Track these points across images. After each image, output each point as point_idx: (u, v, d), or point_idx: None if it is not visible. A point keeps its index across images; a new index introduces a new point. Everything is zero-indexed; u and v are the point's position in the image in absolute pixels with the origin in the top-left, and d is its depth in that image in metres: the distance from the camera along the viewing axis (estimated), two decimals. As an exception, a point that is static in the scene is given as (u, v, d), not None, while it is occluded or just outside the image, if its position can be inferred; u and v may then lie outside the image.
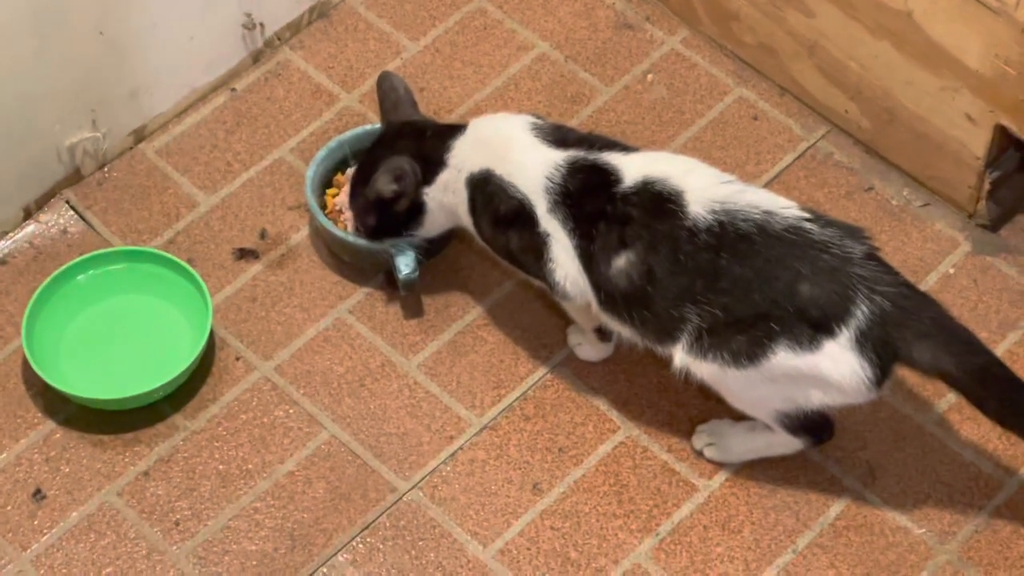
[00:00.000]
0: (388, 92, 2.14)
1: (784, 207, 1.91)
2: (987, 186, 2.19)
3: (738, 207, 1.90)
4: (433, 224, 2.10)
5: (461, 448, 2.09)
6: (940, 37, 2.09)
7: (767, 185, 2.29)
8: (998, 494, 2.03)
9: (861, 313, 1.85)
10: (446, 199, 2.06)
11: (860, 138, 2.30)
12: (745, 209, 1.89)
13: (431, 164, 2.05)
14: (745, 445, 2.04)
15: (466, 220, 2.06)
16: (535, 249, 1.98)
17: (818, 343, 1.85)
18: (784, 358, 1.87)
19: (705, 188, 1.92)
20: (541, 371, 2.15)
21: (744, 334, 1.88)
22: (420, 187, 2.06)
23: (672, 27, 2.43)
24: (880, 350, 1.85)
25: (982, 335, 2.13)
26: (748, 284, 1.87)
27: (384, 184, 2.06)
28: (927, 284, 2.20)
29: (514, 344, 2.17)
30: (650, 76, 2.39)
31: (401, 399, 2.13)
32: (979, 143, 2.14)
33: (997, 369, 1.87)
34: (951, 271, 2.21)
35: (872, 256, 1.88)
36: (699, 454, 2.07)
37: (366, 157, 2.12)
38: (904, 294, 1.86)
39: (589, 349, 2.13)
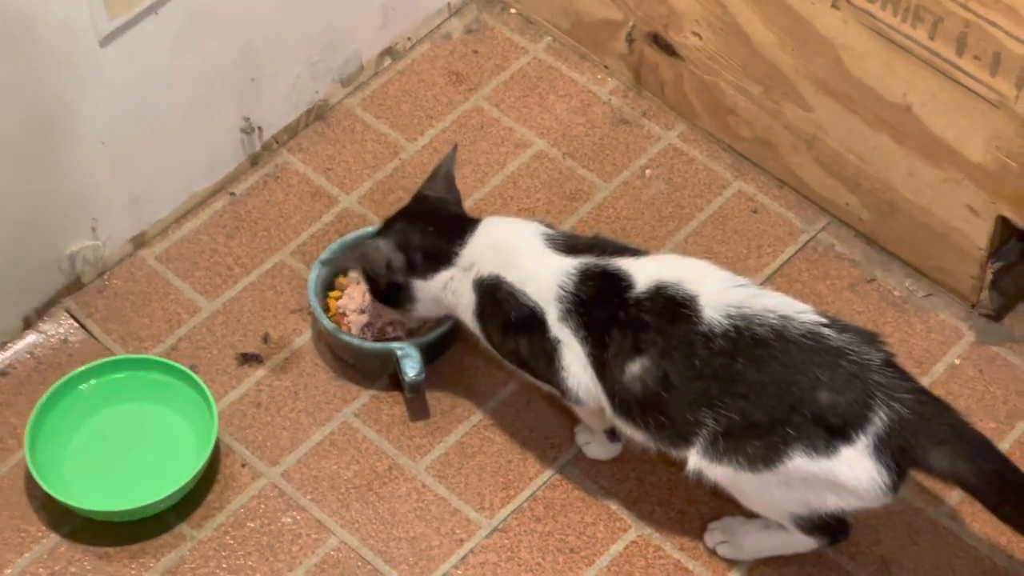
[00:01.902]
0: (437, 167, 2.11)
1: (800, 312, 1.90)
2: (990, 276, 2.19)
3: (754, 312, 1.89)
4: (426, 310, 2.09)
5: (471, 551, 2.07)
6: (940, 130, 2.10)
7: (769, 279, 2.29)
8: (1015, 587, 2.02)
9: (879, 420, 1.84)
10: (445, 297, 2.05)
11: (861, 230, 2.31)
12: (761, 314, 1.89)
13: (431, 259, 2.04)
14: (759, 543, 2.03)
15: (470, 322, 2.05)
16: (546, 355, 1.97)
17: (835, 449, 1.85)
18: (800, 463, 1.86)
19: (719, 292, 1.92)
20: (550, 471, 2.13)
21: (760, 439, 1.87)
22: (407, 276, 2.04)
23: (669, 122, 2.44)
24: (897, 456, 1.85)
25: (990, 426, 2.14)
26: (765, 389, 1.87)
27: (348, 261, 2.11)
28: (933, 375, 2.19)
29: (522, 444, 2.15)
30: (648, 171, 2.40)
31: (409, 502, 2.11)
32: (981, 234, 2.15)
33: (1012, 475, 1.86)
34: (956, 362, 2.21)
35: (889, 363, 1.88)
36: (712, 552, 2.05)
37: (385, 221, 2.11)
38: (921, 400, 1.86)
39: (598, 448, 2.12)
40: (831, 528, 1.95)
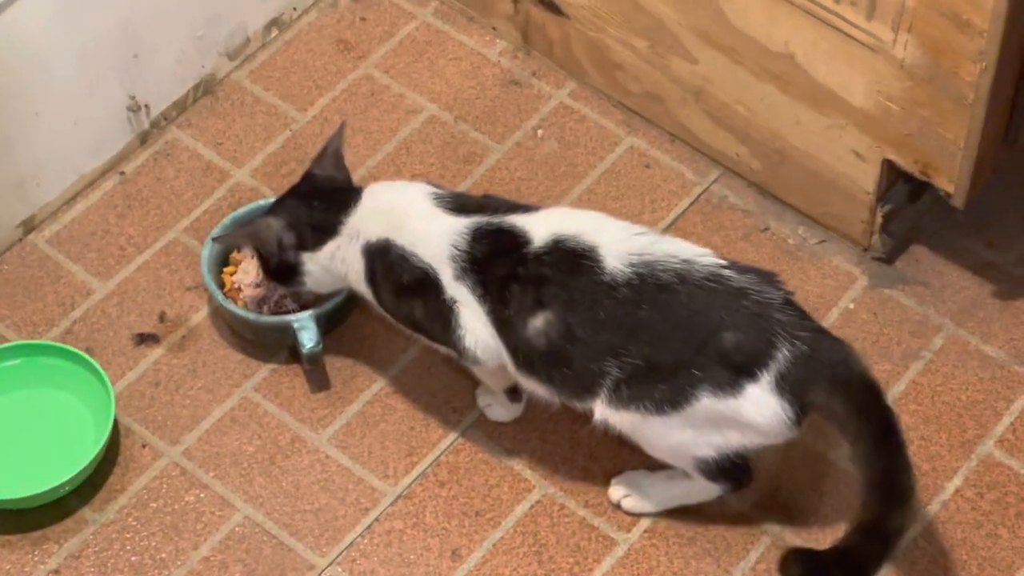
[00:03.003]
0: (325, 146, 2.10)
1: (701, 255, 1.92)
2: (880, 220, 2.21)
3: (656, 258, 1.90)
4: (317, 284, 2.08)
5: (377, 520, 2.07)
6: (823, 77, 2.11)
7: (664, 232, 2.29)
8: (915, 526, 2.04)
9: (781, 357, 1.86)
10: (334, 266, 2.04)
11: (753, 180, 2.32)
12: (663, 259, 1.90)
13: (318, 231, 2.03)
14: (663, 494, 2.04)
15: (362, 288, 2.04)
16: (442, 317, 1.97)
17: (740, 387, 1.87)
18: (707, 403, 1.88)
19: (619, 241, 1.92)
20: (453, 435, 2.13)
21: (666, 383, 1.88)
22: (297, 252, 2.04)
23: (559, 81, 2.44)
24: (797, 391, 1.87)
25: (885, 367, 2.17)
26: (670, 334, 1.88)
27: (239, 240, 2.09)
28: (828, 320, 2.21)
29: (424, 410, 2.15)
30: (540, 131, 2.40)
31: (313, 474, 2.11)
32: (869, 178, 2.17)
33: (879, 413, 1.88)
34: (851, 306, 2.23)
35: (789, 301, 1.90)
36: (616, 506, 2.07)
37: (274, 202, 2.10)
38: (818, 338, 1.88)
39: (500, 410, 2.13)
40: (734, 473, 1.97)
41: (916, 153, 2.09)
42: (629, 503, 2.06)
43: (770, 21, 2.11)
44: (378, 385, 2.18)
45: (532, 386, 1.99)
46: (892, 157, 2.12)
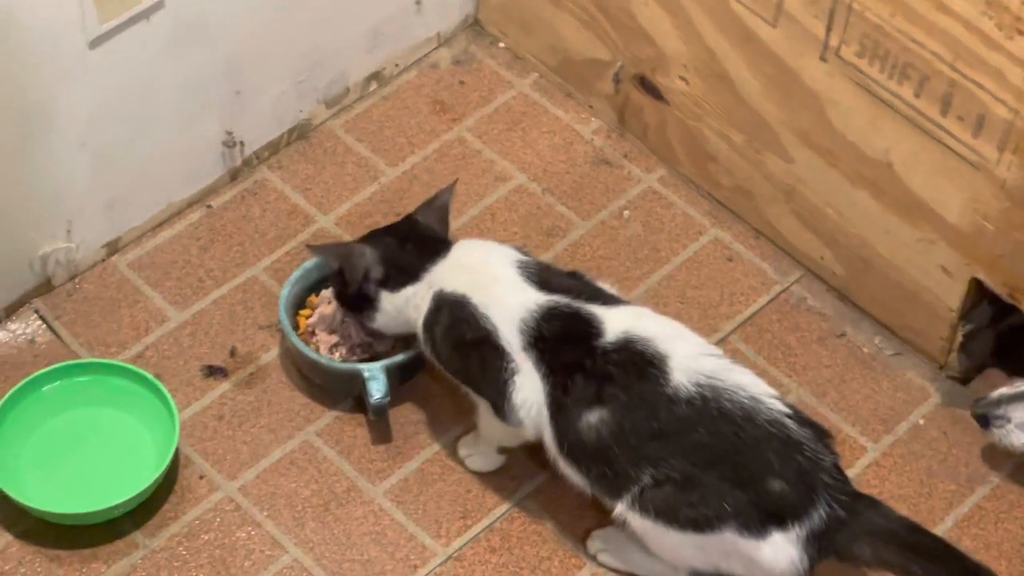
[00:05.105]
0: (434, 196, 2.12)
1: (769, 396, 1.93)
2: (959, 338, 2.20)
3: (725, 386, 1.91)
4: (384, 324, 2.09)
5: (425, 579, 2.06)
6: (919, 189, 2.11)
7: (740, 327, 2.29)
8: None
9: (818, 516, 1.88)
10: (407, 311, 2.05)
11: (834, 284, 2.32)
12: (732, 389, 1.91)
13: (403, 274, 2.04)
14: (639, 563, 2.03)
15: (418, 329, 2.05)
16: (498, 370, 1.96)
17: (767, 533, 1.88)
18: (729, 537, 1.89)
19: (691, 357, 1.93)
20: (508, 503, 2.12)
21: (697, 506, 1.89)
22: (378, 288, 2.05)
23: (650, 165, 2.45)
24: (822, 549, 1.89)
25: (950, 487, 2.15)
26: (717, 462, 1.89)
27: (332, 254, 2.09)
28: (897, 434, 2.20)
29: (482, 475, 2.14)
30: (626, 213, 2.40)
31: (366, 525, 2.10)
32: (954, 296, 2.16)
33: (932, 543, 1.90)
34: (921, 422, 2.21)
35: (837, 466, 1.92)
36: (592, 558, 2.05)
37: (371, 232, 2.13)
38: (857, 502, 1.91)
39: (482, 460, 2.12)
40: None
41: (1006, 275, 2.08)
42: (605, 557, 2.05)
43: (872, 127, 2.11)
44: (439, 444, 2.17)
45: (569, 472, 1.99)
46: (980, 276, 2.11)
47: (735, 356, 2.24)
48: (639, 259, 2.36)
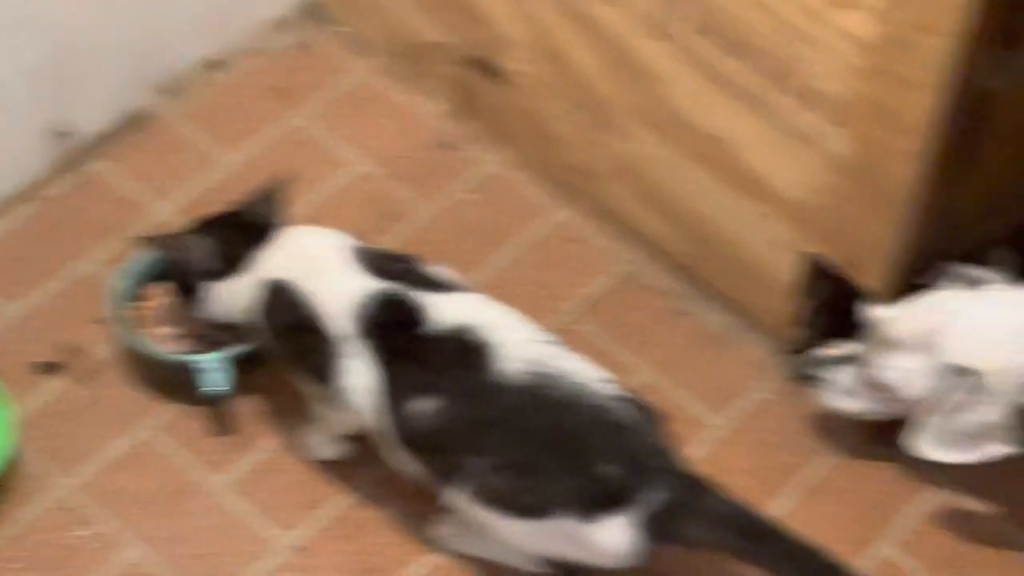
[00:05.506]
0: (264, 189, 2.09)
1: (597, 380, 1.92)
2: (800, 312, 2.22)
3: (553, 372, 1.90)
4: (219, 315, 2.07)
5: (270, 570, 2.03)
6: (755, 165, 2.12)
7: (585, 308, 2.29)
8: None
9: (652, 500, 1.87)
10: (239, 300, 2.03)
11: (677, 262, 2.32)
12: (560, 375, 1.90)
13: (233, 263, 2.03)
14: (483, 546, 2.02)
15: (251, 317, 2.02)
16: (328, 355, 1.94)
17: (600, 516, 1.88)
18: (563, 522, 1.89)
19: (521, 344, 1.92)
20: (354, 491, 2.10)
21: (529, 494, 1.88)
22: (211, 279, 2.03)
23: (493, 148, 2.43)
24: (655, 529, 1.88)
25: (792, 460, 2.17)
26: (547, 449, 1.88)
27: (166, 245, 2.06)
28: (743, 410, 2.21)
29: (326, 463, 2.12)
30: (469, 196, 2.39)
31: (209, 518, 2.06)
32: (792, 270, 2.17)
33: (764, 527, 1.90)
34: (767, 396, 2.23)
35: (671, 448, 1.92)
36: (439, 543, 2.04)
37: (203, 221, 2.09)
38: (689, 482, 1.90)
39: (324, 449, 2.10)
40: (565, 569, 1.97)
41: (842, 248, 2.10)
42: (451, 543, 2.04)
43: (708, 104, 2.12)
44: (283, 435, 2.14)
45: (402, 461, 1.97)
46: (816, 250, 2.13)
47: (580, 338, 2.24)
48: (483, 242, 2.35)
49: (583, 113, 2.28)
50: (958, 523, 2.13)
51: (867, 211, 2.03)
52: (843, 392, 2.06)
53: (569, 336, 2.06)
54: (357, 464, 2.12)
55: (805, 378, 2.07)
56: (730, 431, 2.19)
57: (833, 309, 2.24)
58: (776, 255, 2.17)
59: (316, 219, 2.32)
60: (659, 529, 1.89)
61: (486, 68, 2.37)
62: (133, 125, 2.39)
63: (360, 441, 2.12)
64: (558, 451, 1.88)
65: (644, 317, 2.29)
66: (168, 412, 2.15)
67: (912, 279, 2.07)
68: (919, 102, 1.88)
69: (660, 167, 2.24)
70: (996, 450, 1.97)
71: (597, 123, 2.28)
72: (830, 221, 2.08)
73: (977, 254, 2.06)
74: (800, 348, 2.24)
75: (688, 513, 1.89)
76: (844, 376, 2.06)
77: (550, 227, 2.37)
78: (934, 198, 2.00)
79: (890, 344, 1.99)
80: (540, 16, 2.24)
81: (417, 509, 2.09)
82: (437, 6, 2.38)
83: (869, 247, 2.06)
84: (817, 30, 1.93)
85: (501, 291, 2.26)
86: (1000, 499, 2.14)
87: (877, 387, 2.02)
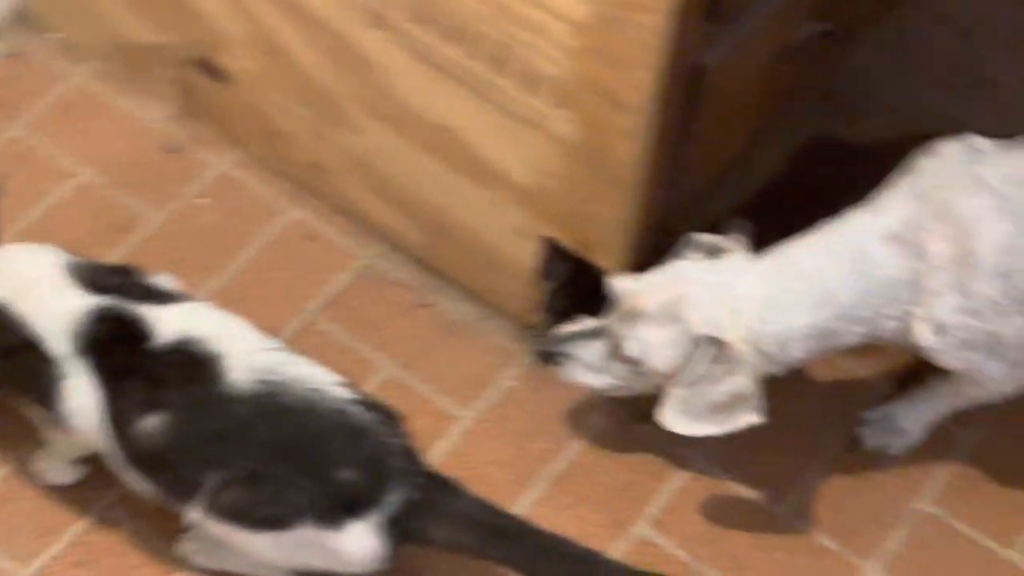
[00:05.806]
0: None
1: (331, 385, 1.88)
2: (540, 297, 2.20)
3: (283, 379, 1.86)
4: None
5: (5, 606, 1.95)
6: (483, 151, 2.09)
7: (324, 306, 2.24)
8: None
9: (391, 501, 1.84)
10: None
11: (415, 254, 2.29)
12: (291, 382, 1.85)
13: None
14: (233, 559, 1.97)
15: None
16: (47, 379, 1.87)
17: (343, 522, 1.84)
18: (306, 532, 1.84)
19: (248, 354, 1.87)
20: (90, 515, 2.02)
21: (268, 505, 1.84)
22: None
23: (221, 149, 2.37)
24: (399, 534, 1.85)
25: (544, 446, 2.15)
26: (282, 458, 1.83)
27: None
28: (488, 399, 2.18)
29: (60, 489, 2.03)
30: (200, 200, 2.32)
31: (-63, 558, 1.97)
32: (529, 255, 2.15)
33: (511, 525, 1.89)
34: (513, 383, 2.20)
35: (407, 448, 1.88)
36: (185, 561, 1.99)
37: None
38: (431, 484, 1.87)
39: (56, 473, 2.03)
40: None
41: (576, 230, 2.08)
42: (197, 559, 1.99)
43: (430, 92, 2.08)
44: (11, 462, 2.05)
45: (134, 481, 1.91)
46: (551, 233, 2.11)
47: (322, 337, 2.19)
48: (217, 247, 2.28)
49: (309, 108, 2.23)
50: (712, 498, 2.13)
51: (596, 192, 2.01)
52: (588, 368, 2.03)
53: (312, 335, 2.01)
54: (95, 486, 2.04)
55: (548, 357, 2.03)
56: (479, 423, 2.16)
57: (574, 290, 2.23)
58: (515, 241, 2.15)
59: (42, 234, 2.24)
60: (403, 532, 1.85)
61: (207, 67, 2.30)
62: None
63: (96, 462, 2.04)
64: (294, 460, 1.84)
65: (386, 312, 2.25)
66: None
67: (651, 258, 2.05)
68: (635, 80, 1.86)
69: (392, 159, 2.20)
70: (743, 421, 1.97)
71: (325, 117, 2.22)
72: (561, 204, 2.06)
73: (715, 228, 2.05)
74: (543, 332, 2.23)
75: (432, 514, 1.86)
76: (588, 352, 2.03)
77: (286, 226, 2.32)
78: (660, 175, 1.99)
79: (634, 316, 1.97)
80: (256, 11, 2.18)
81: (161, 527, 2.02)
82: (151, 6, 2.30)
83: (601, 227, 2.05)
84: (531, 12, 1.90)
85: (241, 295, 2.21)
86: (750, 471, 2.15)
87: (625, 361, 1.99)
